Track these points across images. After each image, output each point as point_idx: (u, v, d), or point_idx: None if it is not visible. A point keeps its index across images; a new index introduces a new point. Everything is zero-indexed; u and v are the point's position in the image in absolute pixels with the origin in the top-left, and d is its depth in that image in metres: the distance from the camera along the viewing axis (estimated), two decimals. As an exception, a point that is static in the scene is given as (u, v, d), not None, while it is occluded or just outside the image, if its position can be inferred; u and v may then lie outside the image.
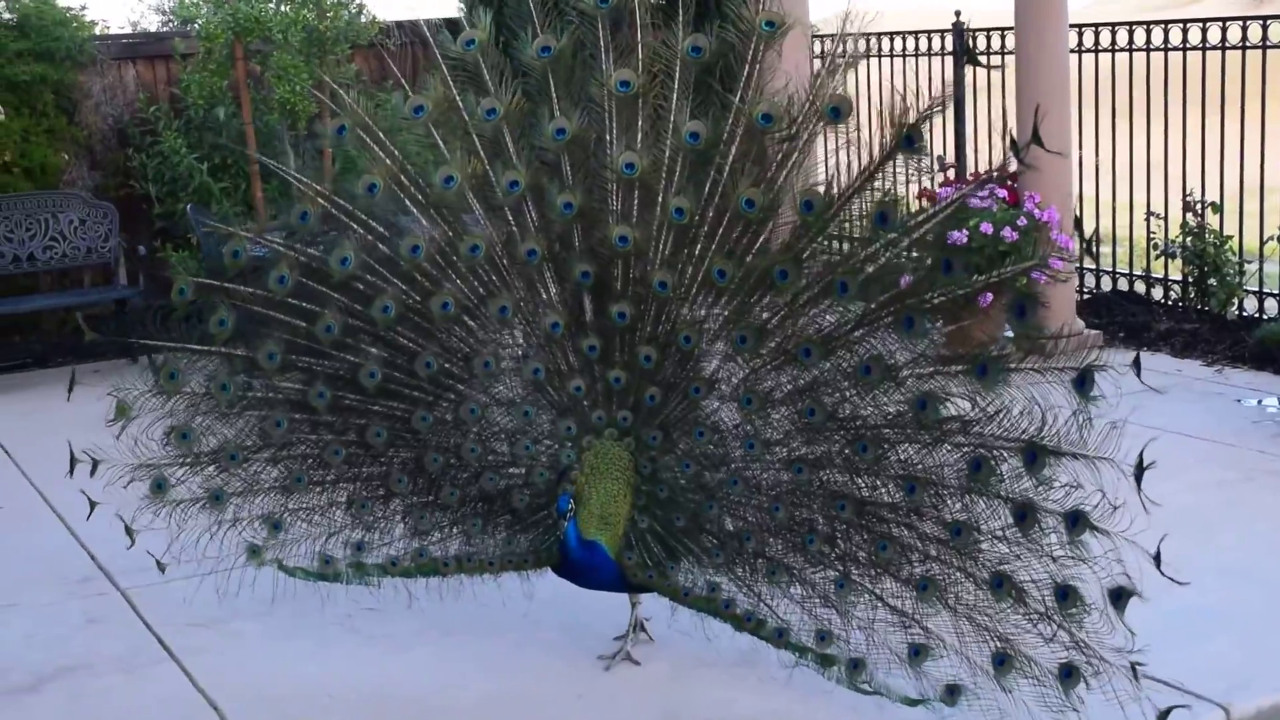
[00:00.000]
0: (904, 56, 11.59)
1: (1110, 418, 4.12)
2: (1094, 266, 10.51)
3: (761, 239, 4.63)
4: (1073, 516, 4.20)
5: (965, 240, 8.39)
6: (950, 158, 10.74)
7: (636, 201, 4.72)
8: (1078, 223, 8.87)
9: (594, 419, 4.92)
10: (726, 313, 4.74)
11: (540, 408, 4.98)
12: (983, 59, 10.47)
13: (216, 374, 5.11)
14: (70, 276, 11.14)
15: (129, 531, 5.21)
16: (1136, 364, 4.15)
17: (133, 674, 5.28)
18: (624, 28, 4.67)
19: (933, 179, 10.38)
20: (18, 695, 5.16)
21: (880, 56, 11.70)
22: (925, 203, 9.24)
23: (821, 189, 4.52)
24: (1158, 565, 4.07)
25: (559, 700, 4.86)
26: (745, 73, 4.55)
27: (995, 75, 10.59)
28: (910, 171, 4.30)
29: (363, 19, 11.00)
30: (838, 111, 4.50)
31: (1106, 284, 10.59)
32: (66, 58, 11.03)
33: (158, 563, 5.38)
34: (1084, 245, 8.82)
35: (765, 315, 4.68)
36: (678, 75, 4.64)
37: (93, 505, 5.27)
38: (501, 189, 4.86)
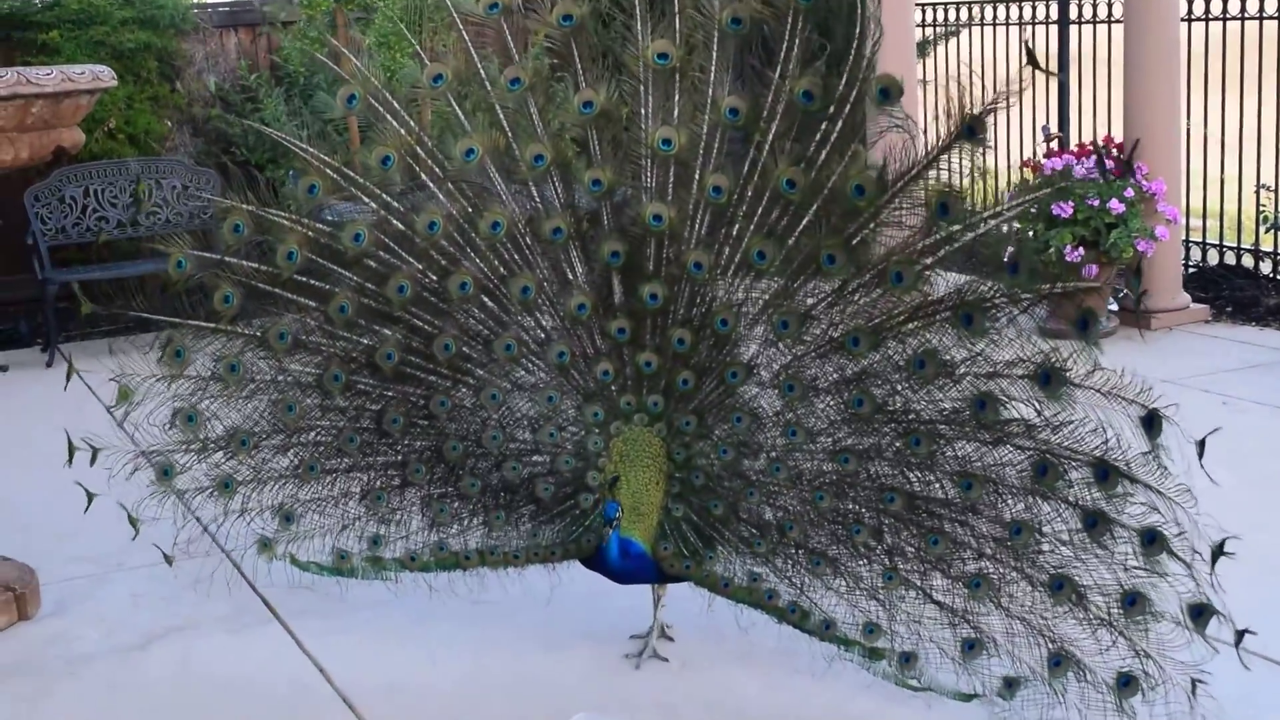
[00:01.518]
0: (1007, 25, 11.28)
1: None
2: (1200, 240, 10.31)
3: (804, 221, 4.36)
4: (1149, 534, 4.05)
5: (1070, 212, 8.26)
6: (1055, 127, 10.44)
7: (671, 179, 4.46)
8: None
9: (622, 404, 4.70)
10: (767, 296, 4.50)
11: (565, 393, 4.75)
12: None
13: (224, 354, 4.86)
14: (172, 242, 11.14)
15: (133, 521, 5.01)
16: (1201, 446, 4.01)
17: (239, 634, 5.32)
18: None
19: (1035, 150, 10.04)
20: (128, 654, 5.20)
21: (984, 25, 11.41)
22: (1029, 172, 8.97)
23: (874, 173, 4.23)
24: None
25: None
26: (785, 47, 4.26)
27: (1102, 43, 10.35)
28: (972, 161, 3.96)
29: None
30: (886, 93, 4.19)
31: (1214, 257, 10.32)
32: (170, 25, 11.17)
33: (164, 556, 5.20)
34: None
35: (810, 301, 4.44)
36: (715, 48, 4.35)
37: (91, 496, 5.06)
38: (526, 163, 4.58)
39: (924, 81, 11.11)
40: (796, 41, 4.23)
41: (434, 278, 4.71)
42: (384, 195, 4.70)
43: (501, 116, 4.63)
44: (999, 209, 4.13)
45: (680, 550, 4.64)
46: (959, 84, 3.99)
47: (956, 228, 4.14)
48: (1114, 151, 8.81)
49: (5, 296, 10.80)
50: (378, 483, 4.90)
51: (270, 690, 4.88)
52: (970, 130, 4.02)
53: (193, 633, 5.30)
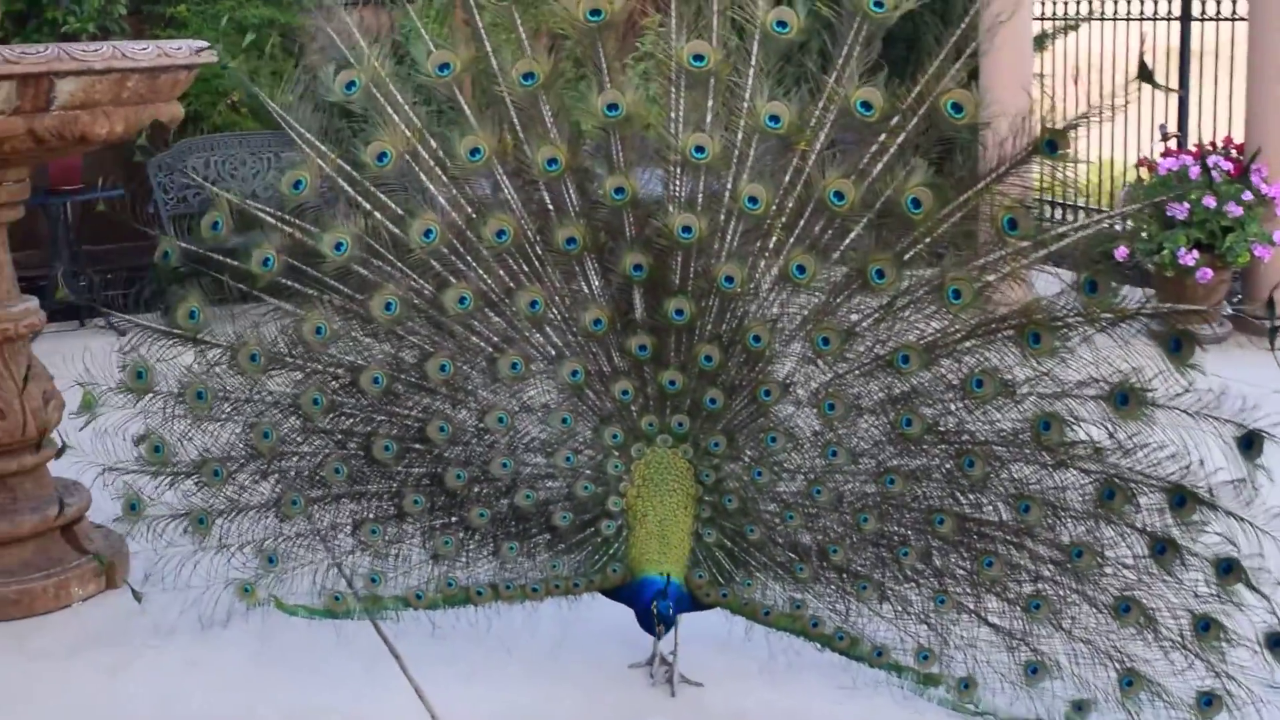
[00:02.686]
0: (1128, 20, 10.84)
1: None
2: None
3: (851, 235, 4.07)
4: (1225, 564, 3.93)
5: (1186, 214, 8.04)
6: (1172, 126, 10.12)
7: (702, 188, 4.10)
8: None
9: (644, 425, 4.38)
10: (806, 312, 4.20)
11: (580, 414, 4.40)
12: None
13: (189, 381, 4.44)
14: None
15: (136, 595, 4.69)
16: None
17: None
18: None
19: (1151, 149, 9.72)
20: (209, 629, 4.88)
21: (1103, 20, 11.00)
22: (1144, 171, 8.72)
23: (930, 189, 3.94)
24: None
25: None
26: (844, 53, 3.94)
27: (1225, 39, 10.03)
28: (1052, 175, 3.69)
29: None
30: (1054, 146, 3.81)
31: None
32: (293, 2, 11.05)
33: (133, 592, 4.81)
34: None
35: (854, 317, 4.16)
36: (756, 51, 3.99)
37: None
38: (538, 167, 4.17)
39: (1040, 75, 10.74)
40: (856, 49, 3.90)
41: (429, 290, 4.30)
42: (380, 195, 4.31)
43: (513, 113, 4.20)
44: (1072, 226, 3.91)
45: (715, 578, 4.39)
46: (1044, 92, 3.72)
47: (1025, 244, 3.91)
48: (1232, 153, 8.57)
49: (134, 263, 10.14)
50: (371, 514, 4.50)
51: (345, 668, 4.66)
52: (1051, 145, 3.78)
53: (271, 613, 4.80)
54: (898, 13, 3.87)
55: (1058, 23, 11.86)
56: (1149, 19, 10.84)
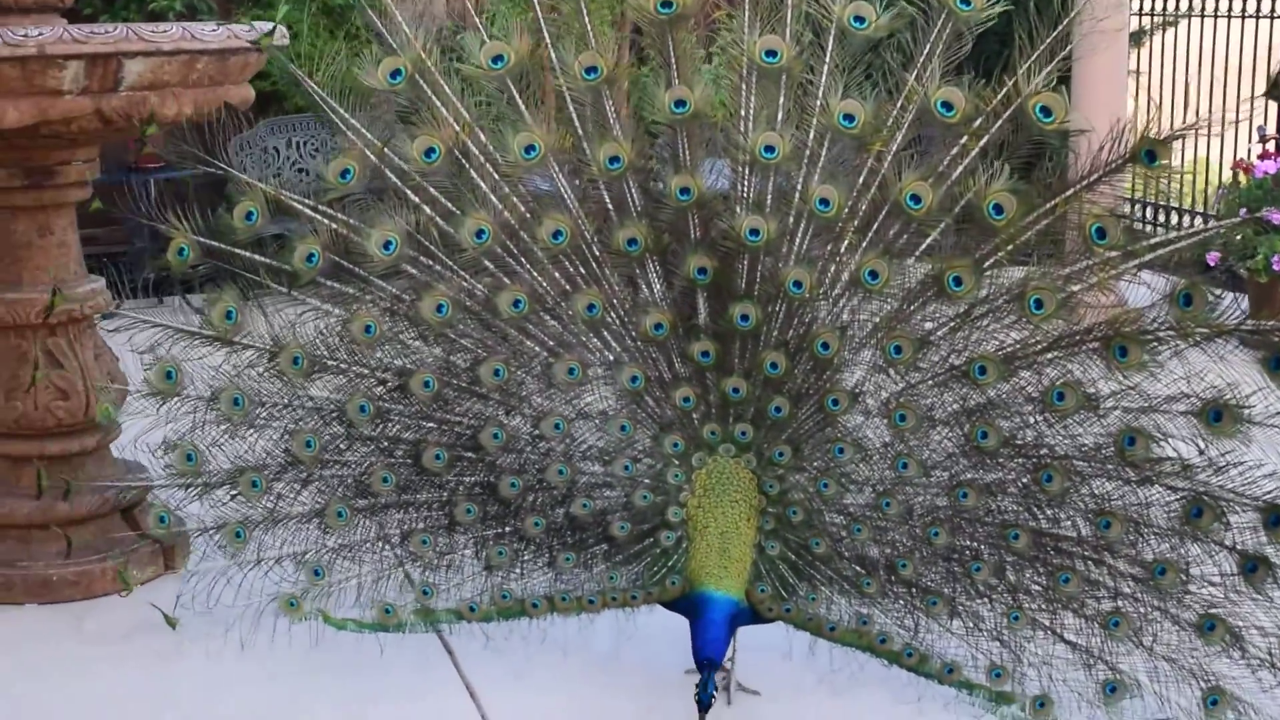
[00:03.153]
0: (1230, 17, 10.36)
1: None
2: None
3: (929, 240, 3.89)
4: None
5: None
6: (1272, 129, 9.75)
7: (771, 189, 3.91)
8: None
9: (706, 434, 4.21)
10: (878, 319, 4.01)
11: (639, 422, 4.23)
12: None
13: (225, 386, 4.26)
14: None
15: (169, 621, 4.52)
16: None
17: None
18: None
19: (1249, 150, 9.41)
20: (262, 617, 4.61)
21: (1204, 16, 10.52)
22: (1241, 174, 8.42)
23: (1014, 194, 3.74)
24: None
25: None
26: (926, 51, 3.76)
27: None
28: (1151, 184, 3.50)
29: None
30: (1153, 156, 3.65)
31: None
32: None
33: (166, 618, 4.61)
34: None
35: (929, 325, 3.98)
36: (831, 47, 3.79)
37: None
38: (599, 166, 3.97)
39: (1135, 72, 10.30)
40: (940, 47, 3.70)
41: (482, 293, 4.12)
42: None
43: (572, 110, 4.00)
44: (1164, 238, 3.73)
45: (778, 592, 4.23)
46: (1140, 93, 3.54)
47: (1113, 254, 3.73)
48: None
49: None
50: (421, 524, 4.33)
51: (396, 661, 4.52)
52: (1150, 155, 3.60)
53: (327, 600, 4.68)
54: (985, 12, 3.67)
55: (1156, 18, 11.34)
56: (1252, 16, 10.32)
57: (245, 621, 4.54)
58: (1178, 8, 11.12)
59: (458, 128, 4.04)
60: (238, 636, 4.53)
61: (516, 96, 4.04)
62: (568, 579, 4.33)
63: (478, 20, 4.09)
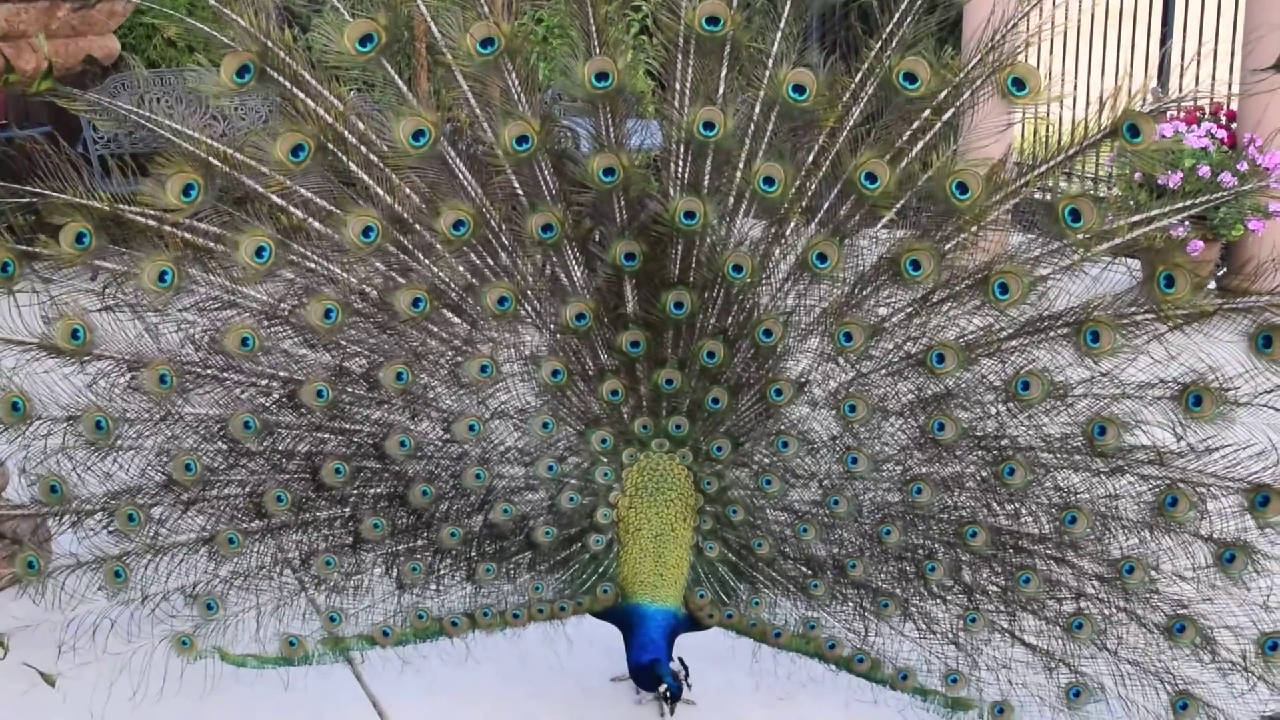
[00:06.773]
0: None
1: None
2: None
3: (885, 220, 3.52)
4: None
5: (1179, 182, 7.75)
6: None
7: (709, 168, 3.49)
8: None
9: (637, 428, 3.85)
10: (826, 304, 3.63)
11: (562, 419, 3.83)
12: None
13: (84, 409, 3.71)
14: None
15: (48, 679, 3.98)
16: None
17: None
18: None
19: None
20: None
21: None
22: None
23: (982, 171, 3.39)
24: None
25: None
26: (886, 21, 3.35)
27: None
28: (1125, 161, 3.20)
29: None
30: (1021, 85, 3.35)
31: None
32: None
33: (43, 676, 4.00)
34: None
35: (883, 311, 3.62)
36: (785, 14, 3.36)
37: None
38: (504, 147, 3.50)
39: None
40: (908, 15, 3.32)
41: (374, 294, 3.66)
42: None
43: (465, 89, 3.51)
44: (1150, 214, 3.43)
45: (719, 597, 3.91)
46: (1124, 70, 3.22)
47: (1087, 236, 3.41)
48: (1223, 120, 8.11)
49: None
50: (322, 544, 3.89)
51: (297, 674, 4.05)
52: (1133, 130, 3.30)
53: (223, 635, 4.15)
54: None
55: None
56: None
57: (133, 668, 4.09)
58: None
59: (329, 118, 3.51)
60: (115, 650, 4.05)
61: (396, 78, 3.50)
62: (489, 592, 3.94)
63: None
